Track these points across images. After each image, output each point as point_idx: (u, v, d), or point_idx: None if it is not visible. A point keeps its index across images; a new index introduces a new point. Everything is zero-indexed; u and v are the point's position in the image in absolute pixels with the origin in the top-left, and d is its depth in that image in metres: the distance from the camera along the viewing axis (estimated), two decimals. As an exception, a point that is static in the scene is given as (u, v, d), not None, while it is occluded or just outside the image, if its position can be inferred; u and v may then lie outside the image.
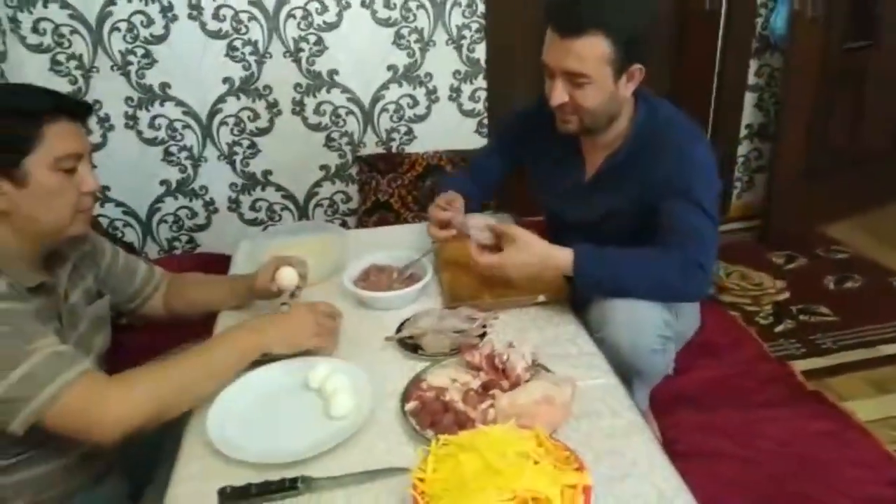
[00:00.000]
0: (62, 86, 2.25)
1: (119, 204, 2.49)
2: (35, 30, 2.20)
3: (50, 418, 0.91)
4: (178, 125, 2.41)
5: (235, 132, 2.46)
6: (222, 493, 0.91)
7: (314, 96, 2.46)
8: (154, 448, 1.17)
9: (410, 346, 1.22)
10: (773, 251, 2.77)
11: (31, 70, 2.22)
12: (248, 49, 2.35)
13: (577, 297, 1.35)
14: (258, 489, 0.91)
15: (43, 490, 1.04)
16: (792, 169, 2.79)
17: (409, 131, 2.59)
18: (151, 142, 2.42)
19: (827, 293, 2.46)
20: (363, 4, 2.36)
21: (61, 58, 2.24)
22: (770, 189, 2.90)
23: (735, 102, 2.93)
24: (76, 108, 1.04)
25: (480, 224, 1.33)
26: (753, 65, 2.87)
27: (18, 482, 1.01)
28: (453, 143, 2.56)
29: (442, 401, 1.03)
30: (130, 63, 2.29)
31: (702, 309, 1.56)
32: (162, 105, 2.37)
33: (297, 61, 2.39)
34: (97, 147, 2.36)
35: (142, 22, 2.25)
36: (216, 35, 2.31)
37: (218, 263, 1.85)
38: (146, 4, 2.23)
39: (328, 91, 2.46)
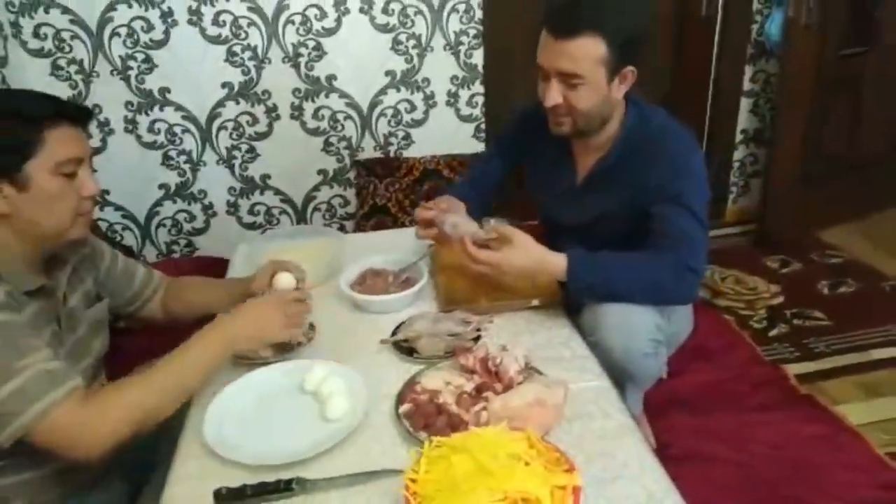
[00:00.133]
0: (63, 90, 2.26)
1: (118, 208, 2.50)
2: (36, 34, 2.21)
3: (37, 434, 0.92)
4: (177, 129, 2.42)
5: (234, 136, 2.48)
6: (218, 494, 0.92)
7: (313, 101, 2.47)
8: (151, 450, 1.18)
9: (405, 349, 1.24)
10: (767, 256, 2.79)
11: (31, 74, 2.23)
12: (247, 54, 2.36)
13: (570, 301, 1.36)
14: (253, 490, 0.92)
15: (39, 493, 1.05)
16: (787, 174, 2.81)
17: (407, 136, 2.60)
18: (151, 146, 2.43)
19: (821, 298, 2.48)
20: (362, 10, 2.38)
21: (62, 62, 2.26)
22: (765, 194, 2.92)
23: (731, 108, 2.94)
24: (77, 113, 1.06)
25: (474, 224, 1.34)
26: (749, 70, 2.89)
27: (14, 484, 1.02)
28: (451, 147, 2.58)
29: (436, 403, 1.04)
30: (130, 68, 2.31)
31: (696, 313, 1.57)
32: (161, 109, 2.38)
33: (296, 66, 2.41)
34: (97, 151, 2.37)
35: (142, 27, 2.26)
36: (216, 40, 2.33)
37: (216, 267, 1.86)
38: (146, 10, 2.24)
39: (327, 96, 2.47)
